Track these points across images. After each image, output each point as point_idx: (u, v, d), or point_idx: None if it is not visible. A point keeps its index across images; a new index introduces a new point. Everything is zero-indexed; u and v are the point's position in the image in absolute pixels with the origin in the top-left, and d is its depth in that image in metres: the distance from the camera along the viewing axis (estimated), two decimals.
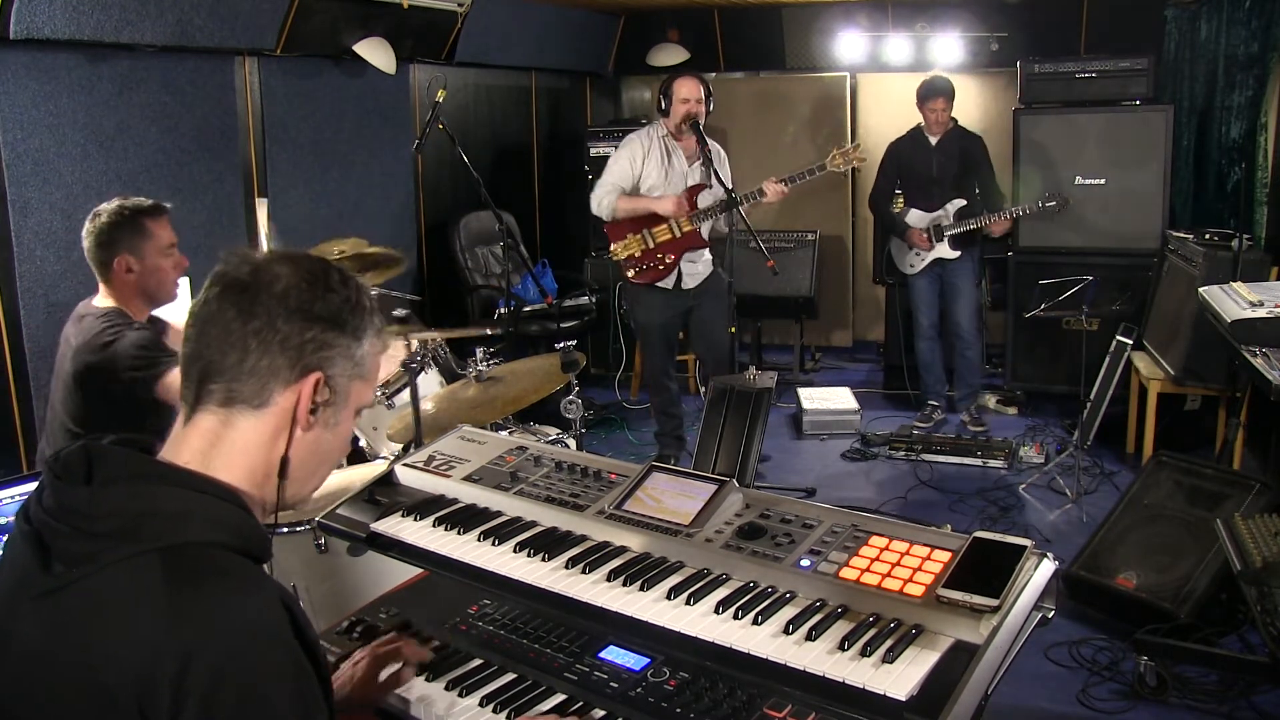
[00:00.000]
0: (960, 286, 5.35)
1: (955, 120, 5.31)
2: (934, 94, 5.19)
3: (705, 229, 4.58)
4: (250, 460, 1.18)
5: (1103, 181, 5.47)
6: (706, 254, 4.67)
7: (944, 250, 5.27)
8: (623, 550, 1.60)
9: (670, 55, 6.98)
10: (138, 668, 1.00)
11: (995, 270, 6.02)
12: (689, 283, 4.64)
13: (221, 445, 1.17)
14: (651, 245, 4.56)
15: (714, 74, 7.12)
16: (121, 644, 1.02)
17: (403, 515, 1.79)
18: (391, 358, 3.73)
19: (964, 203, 5.25)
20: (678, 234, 4.53)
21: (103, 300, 2.77)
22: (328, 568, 2.82)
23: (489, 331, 3.64)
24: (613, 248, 4.64)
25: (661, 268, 4.58)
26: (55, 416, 2.79)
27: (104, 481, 1.10)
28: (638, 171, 4.59)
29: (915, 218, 5.34)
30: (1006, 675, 1.26)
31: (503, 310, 4.73)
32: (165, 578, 1.04)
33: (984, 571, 1.35)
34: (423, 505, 1.80)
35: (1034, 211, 5.21)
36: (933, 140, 5.28)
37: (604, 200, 4.59)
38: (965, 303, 5.36)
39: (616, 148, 4.78)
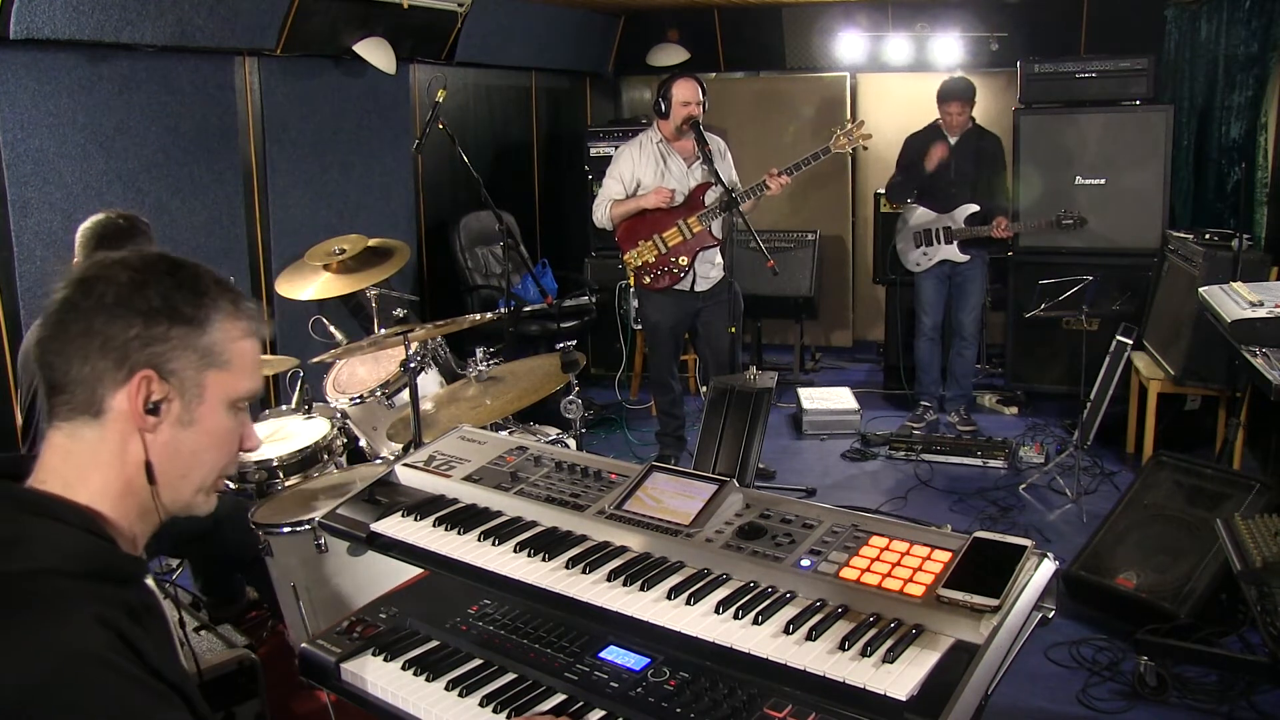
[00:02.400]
0: (969, 289, 5.34)
1: (974, 120, 5.26)
2: (949, 97, 5.13)
3: (716, 227, 4.58)
4: (104, 474, 1.14)
5: (1103, 181, 5.47)
6: (719, 256, 4.67)
7: (952, 252, 5.25)
8: (623, 550, 1.60)
9: (670, 55, 6.98)
10: None
11: (995, 270, 6.01)
12: (702, 285, 4.65)
13: (72, 460, 1.13)
14: (664, 250, 4.55)
15: (714, 74, 7.13)
16: None
17: (403, 515, 1.79)
18: (391, 357, 3.74)
19: (976, 208, 5.20)
20: (688, 235, 4.52)
21: None
22: (328, 568, 2.82)
23: (478, 317, 3.64)
24: (625, 257, 4.64)
25: (677, 270, 4.58)
26: (38, 434, 2.79)
27: None
28: (632, 181, 4.59)
29: (921, 215, 5.33)
30: (1006, 675, 1.26)
31: (503, 310, 4.73)
32: None
33: (984, 571, 1.35)
34: (423, 505, 1.80)
35: (1048, 226, 5.18)
36: (951, 140, 5.23)
37: (600, 212, 4.64)
38: (972, 305, 5.36)
39: (616, 150, 4.79)
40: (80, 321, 1.10)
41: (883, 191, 6.13)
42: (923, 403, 5.60)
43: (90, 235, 2.79)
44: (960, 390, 5.50)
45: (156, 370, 1.13)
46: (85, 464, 1.13)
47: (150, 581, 1.19)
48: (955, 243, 5.22)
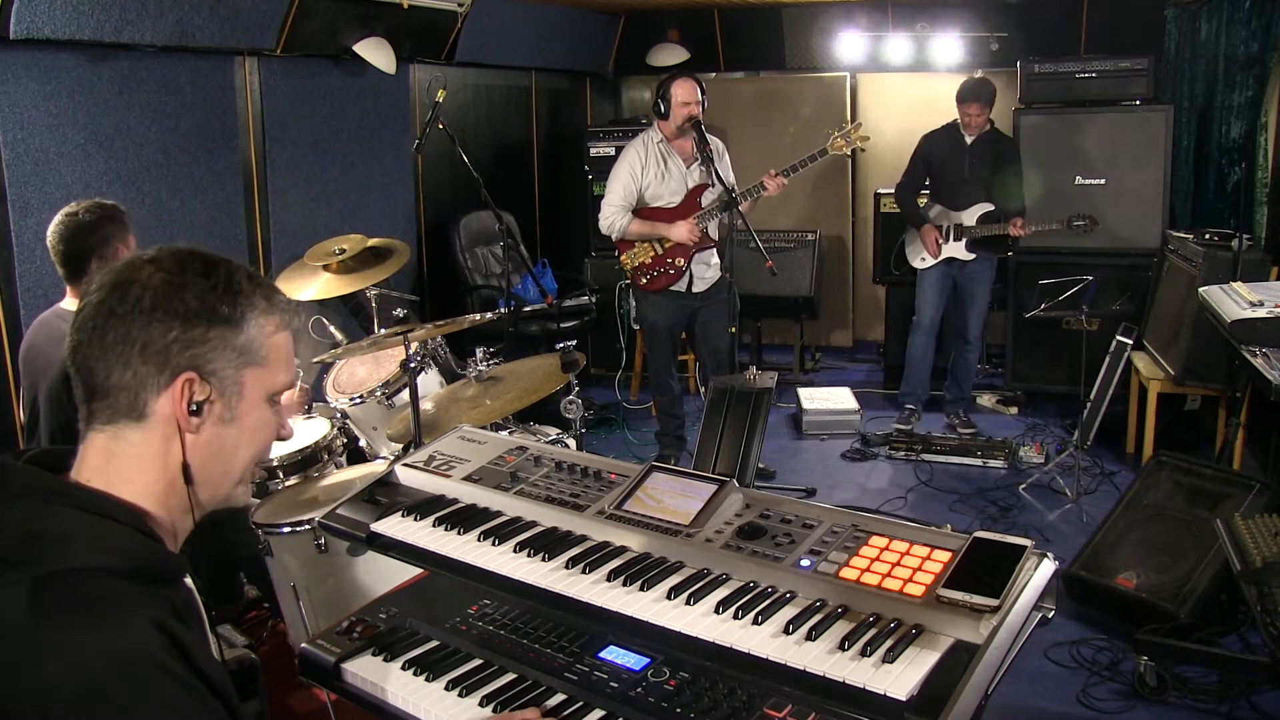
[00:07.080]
0: (976, 291, 5.32)
1: (992, 122, 5.24)
2: (971, 98, 5.11)
3: (713, 228, 4.58)
4: (146, 475, 1.15)
5: (1103, 181, 5.47)
6: (716, 256, 4.67)
7: (960, 251, 5.23)
8: (623, 550, 1.60)
9: (670, 55, 6.98)
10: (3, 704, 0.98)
11: (996, 270, 6.01)
12: (699, 286, 4.65)
13: (116, 461, 1.14)
14: (661, 251, 4.56)
15: (714, 74, 7.13)
16: None
17: (403, 515, 1.79)
18: (391, 357, 3.74)
19: (990, 208, 5.19)
20: None
21: (74, 303, 2.73)
22: (328, 568, 2.82)
23: (478, 317, 3.64)
24: (622, 258, 4.64)
25: (673, 272, 4.58)
26: (43, 433, 2.77)
27: (5, 500, 1.08)
28: (640, 183, 4.58)
29: (937, 214, 5.31)
30: (1006, 675, 1.26)
31: (503, 310, 4.73)
32: (31, 609, 1.00)
33: (984, 571, 1.35)
34: (423, 505, 1.80)
35: (1062, 229, 5.16)
36: (968, 139, 5.21)
37: (615, 222, 4.57)
38: (978, 308, 5.34)
39: (615, 154, 4.77)
40: (118, 327, 1.11)
41: (884, 191, 6.14)
42: (907, 406, 5.54)
43: (59, 237, 2.69)
44: (960, 393, 5.49)
45: (198, 372, 1.14)
46: (129, 464, 1.15)
47: (189, 579, 1.19)
48: (964, 240, 5.21)
